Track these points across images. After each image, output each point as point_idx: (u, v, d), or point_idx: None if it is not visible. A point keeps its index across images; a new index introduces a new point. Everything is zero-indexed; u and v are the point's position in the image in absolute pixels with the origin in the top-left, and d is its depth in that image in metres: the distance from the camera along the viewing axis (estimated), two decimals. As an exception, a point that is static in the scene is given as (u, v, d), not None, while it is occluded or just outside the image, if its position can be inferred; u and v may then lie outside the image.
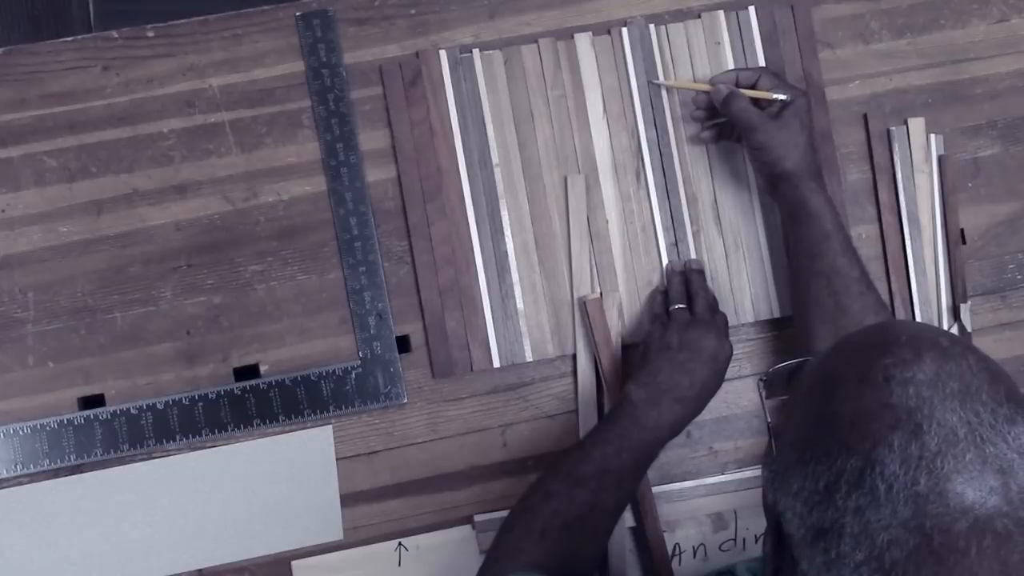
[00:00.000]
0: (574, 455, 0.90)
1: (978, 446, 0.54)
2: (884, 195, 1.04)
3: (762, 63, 1.03)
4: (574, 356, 1.01)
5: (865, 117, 1.05)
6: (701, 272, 1.01)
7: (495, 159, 1.02)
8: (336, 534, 0.99)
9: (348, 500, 0.99)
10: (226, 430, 0.99)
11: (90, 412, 0.98)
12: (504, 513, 0.90)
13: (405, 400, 1.00)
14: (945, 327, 1.02)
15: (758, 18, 1.04)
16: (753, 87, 0.97)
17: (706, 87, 0.99)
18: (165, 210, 1.01)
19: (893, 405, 0.55)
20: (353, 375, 1.00)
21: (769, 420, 0.67)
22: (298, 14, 1.02)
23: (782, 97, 0.95)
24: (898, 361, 0.57)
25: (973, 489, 0.53)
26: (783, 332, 1.03)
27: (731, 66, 1.03)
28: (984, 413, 0.55)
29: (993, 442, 0.54)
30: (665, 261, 1.02)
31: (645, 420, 0.91)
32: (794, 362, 0.71)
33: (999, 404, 0.56)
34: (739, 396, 1.02)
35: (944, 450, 0.54)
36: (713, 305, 0.98)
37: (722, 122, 1.01)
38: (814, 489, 0.57)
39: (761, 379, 0.73)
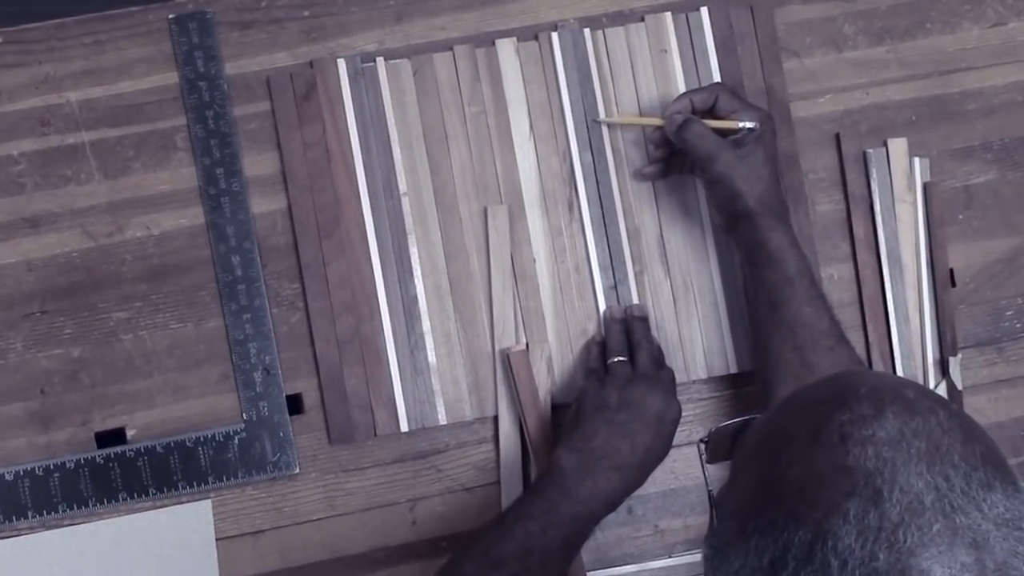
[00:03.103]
0: (492, 532, 0.91)
1: (948, 515, 0.55)
2: (860, 229, 1.06)
3: (716, 75, 1.06)
4: (495, 418, 1.03)
5: (838, 137, 1.07)
6: (644, 320, 1.03)
7: (403, 187, 1.03)
8: (214, 629, 1.01)
9: (230, 588, 1.01)
10: (87, 505, 1.00)
11: (-77, 486, 1.00)
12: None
13: (297, 470, 1.01)
14: (932, 384, 1.04)
15: (712, 21, 1.06)
16: (711, 110, 0.99)
17: (657, 121, 1.01)
18: (15, 247, 1.02)
19: (849, 468, 0.56)
20: (236, 441, 1.01)
21: (710, 488, 0.69)
22: (171, 16, 1.04)
23: (749, 125, 0.97)
24: (856, 417, 0.58)
25: (941, 565, 0.54)
26: (741, 390, 1.05)
27: (680, 77, 1.06)
28: (955, 477, 0.56)
29: (965, 511, 0.55)
30: (602, 307, 1.04)
31: (577, 492, 0.92)
32: (739, 420, 0.72)
33: (973, 467, 0.57)
34: (689, 465, 1.04)
35: (908, 520, 0.54)
36: (658, 358, 1.00)
37: (670, 155, 1.03)
38: (757, 566, 0.58)
39: (702, 440, 0.74)
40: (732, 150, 0.96)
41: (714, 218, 1.02)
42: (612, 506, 0.93)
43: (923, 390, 0.61)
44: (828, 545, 0.55)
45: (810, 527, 0.56)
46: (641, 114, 1.04)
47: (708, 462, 0.73)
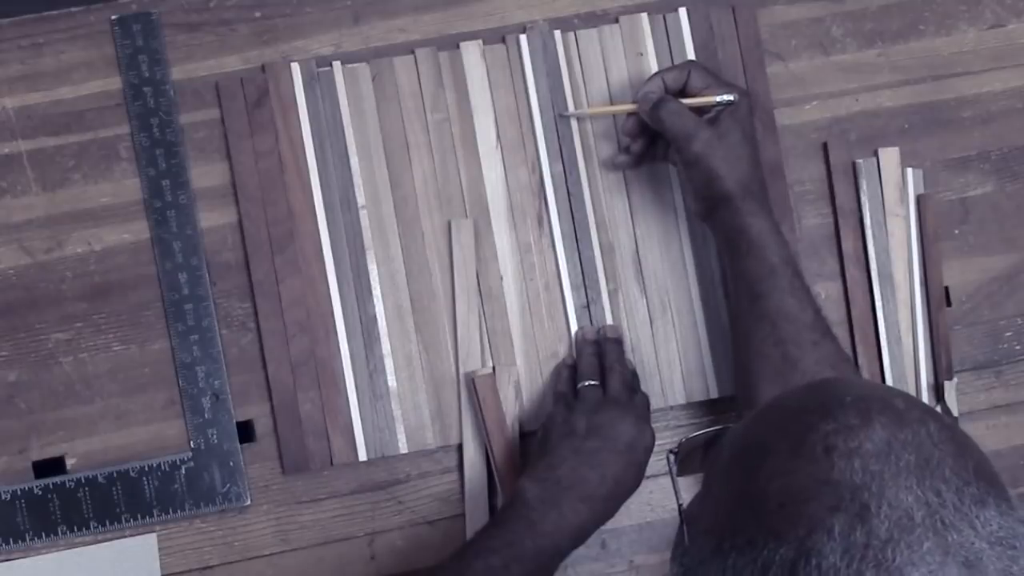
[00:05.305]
0: (451, 568, 0.92)
1: (939, 532, 0.55)
2: (849, 245, 1.07)
3: (695, 80, 1.06)
4: (460, 447, 1.04)
5: (825, 147, 1.08)
6: (618, 342, 1.04)
7: (361, 200, 1.04)
8: (159, 672, 1.03)
9: (176, 628, 1.03)
10: (23, 539, 1.00)
11: None
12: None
13: (248, 502, 1.02)
14: (925, 410, 1.03)
15: (691, 22, 1.07)
16: (683, 89, 1.00)
17: (629, 107, 1.02)
18: (-53, 264, 1.04)
19: (834, 482, 0.57)
20: (183, 470, 1.02)
21: (681, 502, 0.69)
22: (114, 17, 1.05)
23: (728, 98, 0.98)
24: (841, 427, 0.59)
25: None
26: (722, 416, 1.05)
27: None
28: (947, 492, 0.56)
29: (958, 528, 0.55)
30: (574, 327, 1.05)
31: (542, 524, 0.92)
32: (713, 430, 0.73)
33: (966, 482, 0.57)
34: (666, 497, 1.04)
35: (897, 537, 0.55)
36: (632, 383, 1.01)
37: (647, 146, 1.04)
38: None
39: (672, 451, 0.74)
40: (710, 129, 0.97)
41: (690, 205, 1.03)
42: (579, 540, 0.94)
43: (912, 400, 0.62)
44: (811, 564, 0.55)
45: (792, 545, 0.56)
46: (622, 127, 1.04)
47: (678, 475, 0.74)
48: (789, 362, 0.93)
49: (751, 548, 0.58)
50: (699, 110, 0.98)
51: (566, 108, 1.05)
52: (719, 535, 0.60)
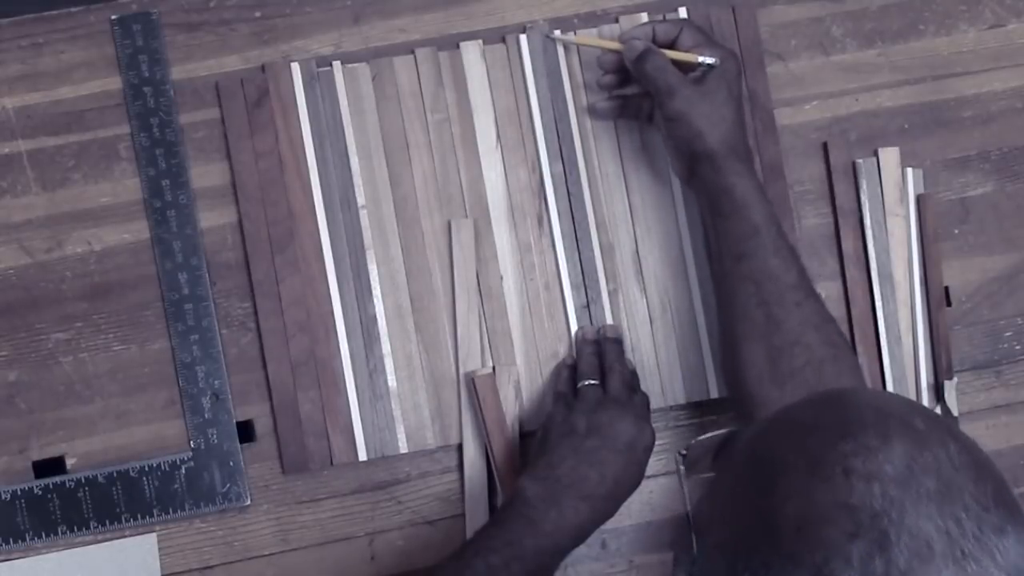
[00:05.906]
0: (450, 567, 0.92)
1: (958, 563, 0.55)
2: (849, 245, 1.07)
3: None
4: (460, 447, 1.04)
5: (825, 147, 1.08)
6: (618, 341, 1.04)
7: (361, 199, 1.05)
8: (158, 671, 1.03)
9: (176, 628, 1.03)
10: (23, 539, 1.01)
11: None
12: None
13: (248, 502, 1.03)
14: (925, 410, 1.03)
15: None
16: (672, 45, 1.01)
17: (616, 45, 1.03)
18: (-54, 263, 1.05)
19: (854, 507, 0.56)
20: (183, 470, 1.02)
21: (690, 508, 0.69)
22: (114, 17, 1.05)
23: (709, 60, 0.99)
24: (861, 448, 0.58)
25: None
26: (722, 417, 1.06)
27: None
28: (967, 520, 0.56)
29: (977, 558, 0.55)
30: (574, 327, 1.05)
31: (542, 522, 0.92)
32: (722, 433, 0.73)
33: (986, 508, 0.57)
34: (667, 497, 1.05)
35: (915, 567, 0.54)
36: (632, 382, 1.01)
37: (629, 94, 1.05)
38: None
39: (680, 453, 0.74)
40: (693, 86, 0.97)
41: (672, 165, 1.03)
42: (579, 539, 0.94)
43: (931, 417, 0.61)
44: None
45: (808, 570, 0.56)
46: (599, 58, 1.04)
47: (687, 476, 0.73)
48: (773, 322, 0.93)
49: (765, 570, 0.57)
50: (683, 68, 0.99)
51: (567, 108, 1.06)
52: (732, 553, 0.60)
